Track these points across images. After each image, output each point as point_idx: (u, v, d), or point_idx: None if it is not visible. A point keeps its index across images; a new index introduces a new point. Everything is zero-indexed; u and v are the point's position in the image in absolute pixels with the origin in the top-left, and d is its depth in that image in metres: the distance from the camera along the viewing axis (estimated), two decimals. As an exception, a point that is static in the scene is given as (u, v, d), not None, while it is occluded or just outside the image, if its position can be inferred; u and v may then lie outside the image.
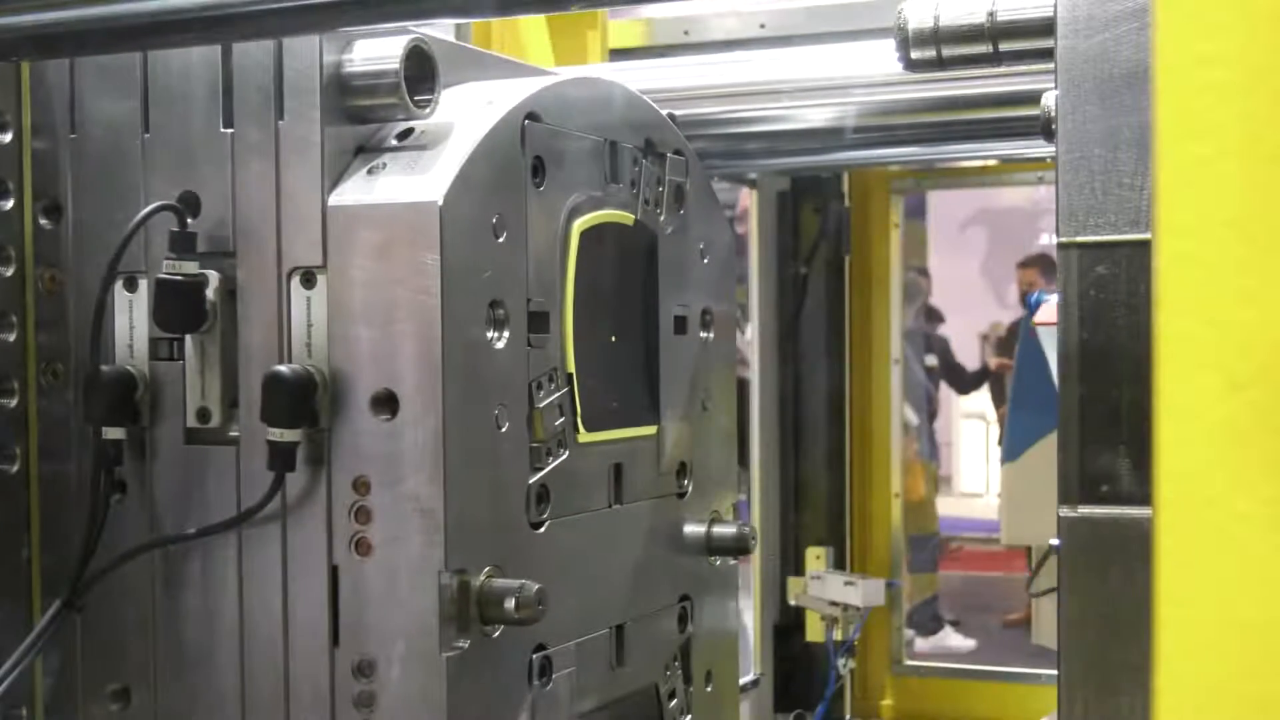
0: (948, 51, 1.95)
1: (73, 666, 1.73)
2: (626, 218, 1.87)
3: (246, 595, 1.63)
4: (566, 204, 1.76)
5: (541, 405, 1.68)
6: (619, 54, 3.24)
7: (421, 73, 1.63)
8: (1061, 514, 1.43)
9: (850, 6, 3.23)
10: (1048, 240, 9.29)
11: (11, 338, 1.74)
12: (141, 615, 1.69)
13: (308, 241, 1.60)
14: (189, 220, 1.64)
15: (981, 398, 9.82)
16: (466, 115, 1.63)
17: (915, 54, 1.97)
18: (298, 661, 1.60)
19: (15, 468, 1.74)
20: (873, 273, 3.93)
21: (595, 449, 1.80)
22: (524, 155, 1.67)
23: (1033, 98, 2.16)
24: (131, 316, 1.69)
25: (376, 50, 1.60)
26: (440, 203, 1.53)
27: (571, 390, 1.74)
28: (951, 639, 7.06)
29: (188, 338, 1.65)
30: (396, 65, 1.59)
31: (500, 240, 1.61)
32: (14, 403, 1.74)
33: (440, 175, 1.56)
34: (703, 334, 2.09)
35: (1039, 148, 2.22)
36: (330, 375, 1.57)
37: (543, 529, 1.70)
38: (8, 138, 1.74)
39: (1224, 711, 0.74)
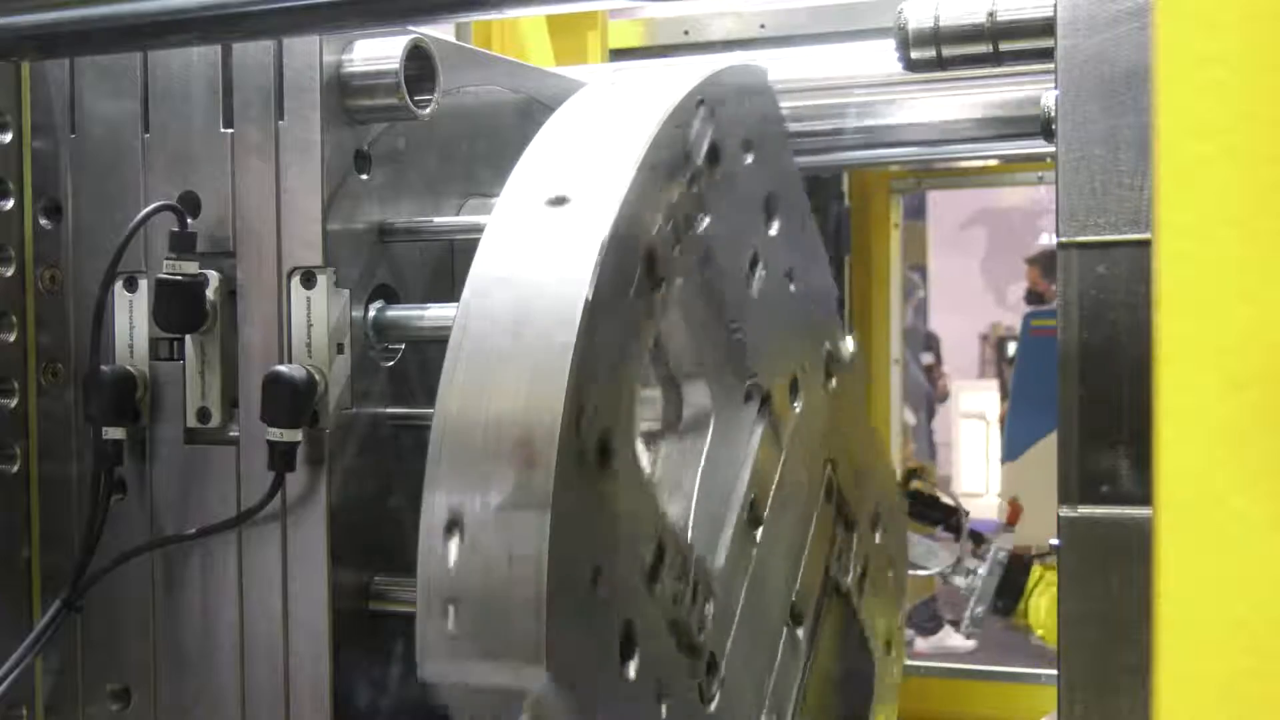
0: (948, 51, 1.95)
1: (73, 666, 1.73)
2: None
3: (246, 595, 1.63)
4: None
5: None
6: (619, 54, 3.24)
7: (422, 73, 1.63)
8: (1061, 514, 1.42)
9: (850, 6, 3.22)
10: (1048, 240, 9.29)
11: (11, 338, 1.74)
12: (141, 615, 1.69)
13: (307, 242, 1.60)
14: (189, 220, 1.64)
15: (981, 397, 9.83)
16: None
17: (915, 54, 1.97)
18: (298, 661, 1.61)
19: (15, 468, 1.75)
20: (873, 273, 3.93)
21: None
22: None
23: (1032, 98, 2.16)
24: (131, 316, 1.69)
25: (376, 50, 1.60)
26: None
27: None
28: (951, 639, 7.06)
29: (188, 338, 1.66)
30: (396, 65, 1.59)
31: None
32: (14, 403, 1.74)
33: None
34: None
35: (1039, 147, 2.22)
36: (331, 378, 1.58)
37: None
38: (8, 138, 1.74)
39: (1224, 711, 0.74)
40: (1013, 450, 4.90)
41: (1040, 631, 3.58)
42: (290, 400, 1.56)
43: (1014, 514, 4.34)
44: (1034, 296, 8.50)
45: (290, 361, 1.59)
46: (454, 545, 1.34)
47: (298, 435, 1.57)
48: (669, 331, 1.62)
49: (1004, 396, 8.83)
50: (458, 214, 1.77)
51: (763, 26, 3.34)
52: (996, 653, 6.60)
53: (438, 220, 1.72)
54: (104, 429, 1.66)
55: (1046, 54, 1.69)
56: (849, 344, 2.12)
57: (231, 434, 1.65)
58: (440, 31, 1.78)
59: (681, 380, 1.70)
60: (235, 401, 1.64)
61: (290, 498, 1.60)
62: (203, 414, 1.65)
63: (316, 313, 1.59)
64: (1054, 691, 1.45)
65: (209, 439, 1.66)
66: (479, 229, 1.70)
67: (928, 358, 8.66)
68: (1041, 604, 3.53)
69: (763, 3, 3.39)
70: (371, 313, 1.64)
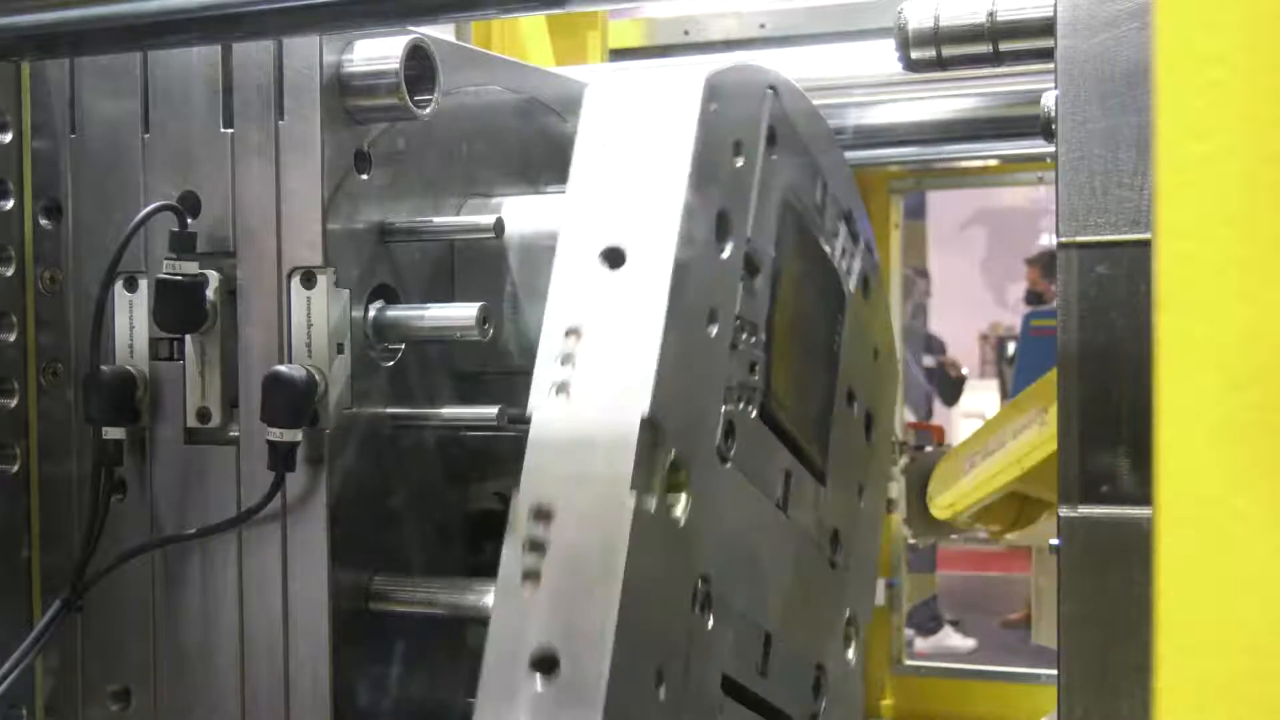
0: (948, 51, 1.95)
1: (73, 666, 1.73)
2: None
3: (246, 595, 1.63)
4: None
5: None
6: (619, 54, 3.24)
7: (422, 73, 1.63)
8: (1061, 514, 1.43)
9: (850, 6, 3.22)
10: (1048, 240, 9.29)
11: (11, 338, 1.74)
12: (141, 615, 1.69)
13: (308, 242, 1.60)
14: (189, 220, 1.64)
15: (981, 397, 9.83)
16: None
17: (915, 54, 1.97)
18: (298, 661, 1.61)
19: (15, 468, 1.75)
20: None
21: (772, 441, 1.76)
22: None
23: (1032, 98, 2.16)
24: (131, 316, 1.69)
25: (376, 50, 1.60)
26: None
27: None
28: (951, 639, 7.07)
29: (188, 338, 1.66)
30: (396, 65, 1.59)
31: None
32: (14, 403, 1.74)
33: None
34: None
35: (1039, 147, 2.22)
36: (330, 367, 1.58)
37: (727, 465, 1.62)
38: (8, 138, 1.74)
39: (1224, 712, 0.74)
40: (1012, 450, 4.90)
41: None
42: (290, 400, 1.56)
43: (939, 435, 4.58)
44: (1034, 296, 8.52)
45: (290, 361, 1.59)
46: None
47: (298, 435, 1.57)
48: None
49: (1004, 396, 8.85)
50: (458, 214, 1.77)
51: (763, 26, 3.34)
52: (996, 653, 6.61)
53: (438, 220, 1.72)
54: (104, 429, 1.66)
55: (1046, 54, 1.69)
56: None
57: (231, 434, 1.65)
58: (440, 31, 1.78)
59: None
60: (235, 401, 1.64)
61: (290, 498, 1.60)
62: (203, 414, 1.65)
63: (316, 313, 1.59)
64: (1054, 691, 1.45)
65: (209, 439, 1.66)
66: (479, 229, 1.71)
67: (929, 360, 8.66)
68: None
69: (763, 3, 3.39)
70: (371, 313, 1.64)
